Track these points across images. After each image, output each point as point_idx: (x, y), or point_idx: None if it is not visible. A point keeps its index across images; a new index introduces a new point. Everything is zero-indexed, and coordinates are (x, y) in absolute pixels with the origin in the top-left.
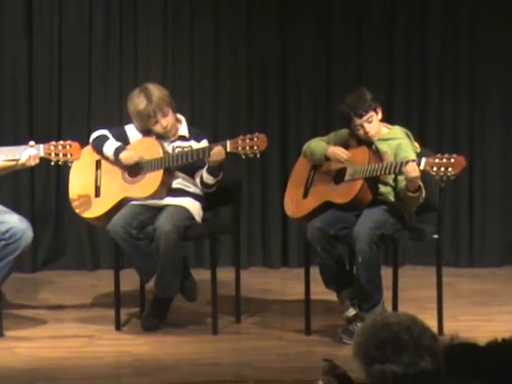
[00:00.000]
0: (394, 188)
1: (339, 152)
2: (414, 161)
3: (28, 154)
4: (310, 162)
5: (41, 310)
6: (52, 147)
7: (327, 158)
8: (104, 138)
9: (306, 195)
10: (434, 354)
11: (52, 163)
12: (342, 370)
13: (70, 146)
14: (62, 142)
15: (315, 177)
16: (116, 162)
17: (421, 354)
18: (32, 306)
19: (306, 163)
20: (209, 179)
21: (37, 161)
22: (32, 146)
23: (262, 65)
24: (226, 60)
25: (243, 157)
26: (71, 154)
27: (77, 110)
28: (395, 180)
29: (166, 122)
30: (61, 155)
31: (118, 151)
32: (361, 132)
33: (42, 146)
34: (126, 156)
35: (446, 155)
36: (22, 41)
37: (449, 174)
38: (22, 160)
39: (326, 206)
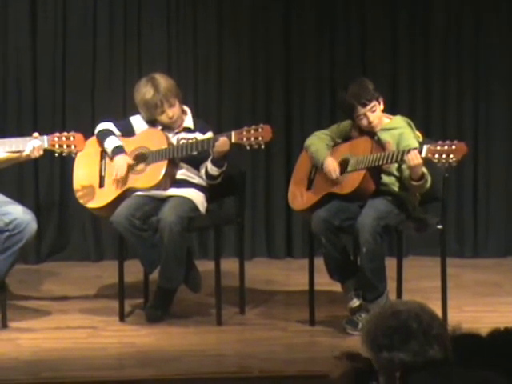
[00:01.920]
0: (398, 178)
1: (331, 171)
2: (415, 149)
3: (32, 145)
4: None
5: (45, 302)
6: (56, 139)
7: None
8: (107, 133)
9: (309, 187)
10: (442, 343)
11: (56, 154)
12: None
13: (74, 137)
14: (65, 134)
15: (318, 169)
16: (111, 161)
17: (430, 342)
18: (36, 297)
19: (308, 156)
20: (213, 170)
21: (41, 152)
22: (36, 138)
23: (266, 56)
24: (230, 52)
25: (248, 148)
26: (75, 146)
27: (81, 101)
28: (399, 169)
29: (172, 112)
30: (65, 147)
31: (115, 152)
32: (364, 122)
33: (45, 137)
34: (119, 163)
35: (448, 142)
36: (26, 32)
37: (450, 160)
38: (26, 152)
39: (330, 197)
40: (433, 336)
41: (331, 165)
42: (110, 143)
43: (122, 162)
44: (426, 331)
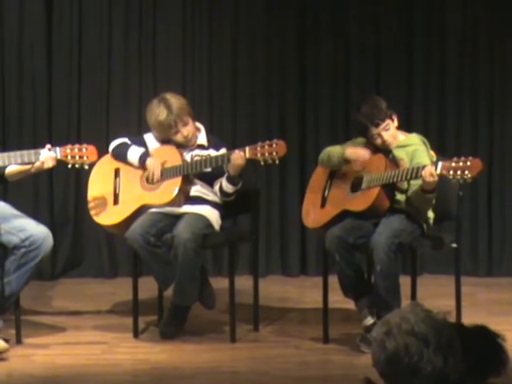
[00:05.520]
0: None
1: (358, 154)
2: (431, 164)
3: (44, 156)
4: (327, 167)
5: (59, 318)
6: (68, 150)
7: (346, 161)
8: (126, 145)
9: (323, 205)
10: (438, 380)
11: (69, 166)
12: None
13: (86, 148)
14: (78, 145)
15: (332, 186)
16: (142, 167)
17: (421, 377)
18: (50, 313)
19: (322, 173)
20: (228, 188)
21: (54, 163)
22: (49, 150)
23: (280, 73)
24: (244, 68)
25: (262, 163)
26: (87, 157)
27: (96, 118)
28: (408, 183)
29: (186, 131)
30: (77, 158)
31: (143, 157)
32: (378, 141)
33: (58, 148)
34: (153, 164)
35: (463, 158)
36: (42, 49)
37: (465, 177)
38: (39, 162)
39: (344, 214)
40: (425, 376)
41: (355, 149)
42: (134, 153)
43: (155, 162)
44: (415, 366)
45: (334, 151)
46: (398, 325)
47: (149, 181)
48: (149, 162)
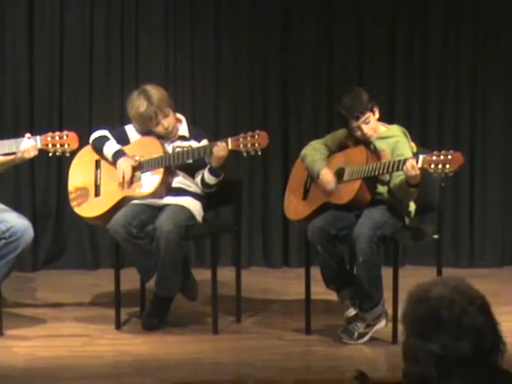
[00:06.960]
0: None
1: (327, 182)
2: (413, 158)
3: (25, 145)
4: None
5: (41, 309)
6: (49, 138)
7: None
8: (104, 139)
9: (305, 197)
10: (475, 335)
11: (50, 154)
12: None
13: (67, 136)
14: (58, 133)
15: (314, 179)
16: (114, 165)
17: (460, 335)
18: (32, 305)
19: (304, 165)
20: (211, 179)
21: (36, 152)
22: (29, 138)
23: (263, 64)
24: (227, 60)
25: (245, 154)
26: (68, 144)
27: (78, 111)
28: (390, 175)
29: (167, 122)
30: (58, 146)
31: (116, 156)
32: (358, 134)
33: (38, 137)
34: (123, 166)
35: (443, 152)
36: (24, 44)
37: (447, 170)
38: (20, 152)
39: (326, 206)
40: (465, 327)
41: (327, 176)
42: (110, 148)
43: (125, 163)
44: (456, 322)
45: (312, 164)
46: (445, 280)
47: (121, 183)
48: (120, 162)
